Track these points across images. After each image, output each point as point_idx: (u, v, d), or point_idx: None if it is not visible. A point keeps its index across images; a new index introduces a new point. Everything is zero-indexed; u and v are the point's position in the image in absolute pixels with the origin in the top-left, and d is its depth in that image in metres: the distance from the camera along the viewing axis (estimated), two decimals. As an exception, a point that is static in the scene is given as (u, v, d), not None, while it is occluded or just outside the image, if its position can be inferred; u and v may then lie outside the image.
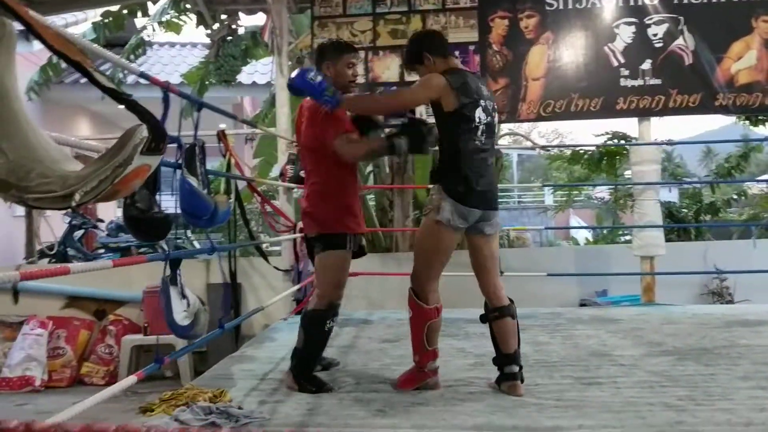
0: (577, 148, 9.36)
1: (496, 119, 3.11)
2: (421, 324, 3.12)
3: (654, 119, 5.65)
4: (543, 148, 13.61)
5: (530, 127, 19.34)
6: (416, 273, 3.13)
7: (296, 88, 3.02)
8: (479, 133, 2.96)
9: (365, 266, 5.17)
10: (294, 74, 3.03)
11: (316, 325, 3.16)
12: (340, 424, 2.61)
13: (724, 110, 5.47)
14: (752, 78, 5.41)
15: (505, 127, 9.40)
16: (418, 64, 3.12)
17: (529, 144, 16.88)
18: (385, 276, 6.27)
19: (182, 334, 2.84)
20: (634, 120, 5.71)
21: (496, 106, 3.11)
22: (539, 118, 5.63)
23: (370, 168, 8.26)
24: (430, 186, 3.11)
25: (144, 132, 1.71)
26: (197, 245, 8.18)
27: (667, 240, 8.59)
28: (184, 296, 2.80)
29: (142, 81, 3.22)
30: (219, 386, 3.09)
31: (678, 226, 8.33)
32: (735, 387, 2.99)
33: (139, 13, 7.86)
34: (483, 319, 3.23)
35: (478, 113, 2.96)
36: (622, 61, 5.53)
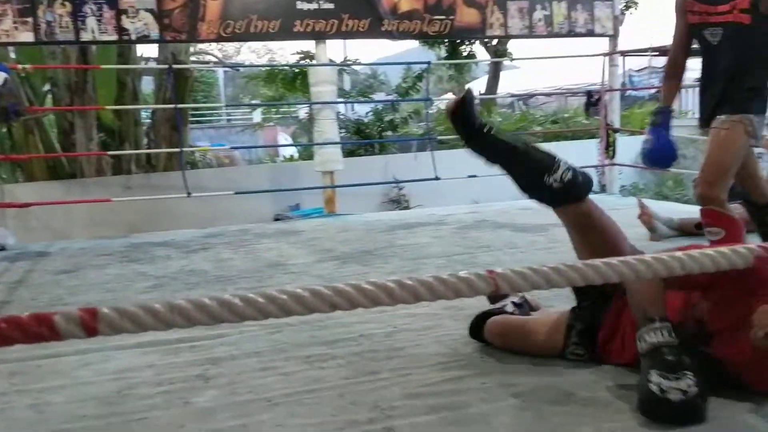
0: (272, 68, 9.52)
1: None
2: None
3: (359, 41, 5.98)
4: (224, 66, 13.57)
5: (240, 44, 19.08)
6: None
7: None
8: None
9: (47, 195, 4.86)
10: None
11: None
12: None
13: (390, 35, 6.00)
14: (411, 6, 5.98)
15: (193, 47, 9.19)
16: None
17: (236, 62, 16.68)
18: (70, 204, 5.94)
19: None
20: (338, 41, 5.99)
21: None
22: (220, 39, 5.65)
23: (47, 87, 7.57)
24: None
25: None
26: None
27: (355, 155, 9.35)
28: None
29: None
30: None
31: (353, 143, 9.05)
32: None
33: None
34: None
35: None
36: (299, -16, 5.73)
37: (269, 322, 2.86)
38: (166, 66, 7.19)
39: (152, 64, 9.82)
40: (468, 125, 2.03)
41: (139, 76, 9.17)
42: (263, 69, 11.60)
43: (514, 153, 2.03)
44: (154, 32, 5.34)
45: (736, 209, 4.50)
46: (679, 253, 0.67)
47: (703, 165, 2.84)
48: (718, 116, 2.83)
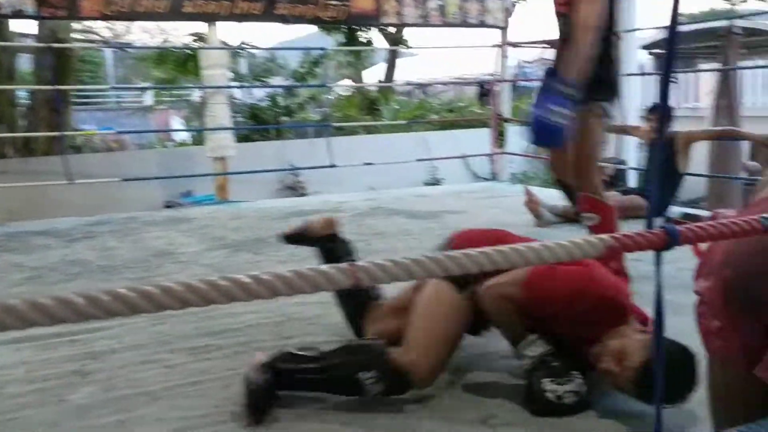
0: (162, 49, 9.18)
1: None
2: None
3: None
4: (109, 45, 12.99)
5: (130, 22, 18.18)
6: None
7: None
8: None
9: None
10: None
11: None
12: None
13: (284, 19, 5.90)
14: (304, -10, 5.92)
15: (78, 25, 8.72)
16: None
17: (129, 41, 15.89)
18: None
19: None
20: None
21: None
22: (105, 17, 5.37)
23: None
24: None
25: None
26: None
27: (250, 140, 9.18)
28: None
29: None
30: None
31: (247, 128, 8.90)
32: (274, 269, 3.45)
33: None
34: None
35: None
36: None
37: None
38: (45, 44, 6.77)
39: (30, 42, 9.22)
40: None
41: (15, 54, 8.59)
42: (154, 50, 11.15)
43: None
44: (30, 7, 5.00)
45: (613, 196, 4.77)
46: (536, 244, 0.69)
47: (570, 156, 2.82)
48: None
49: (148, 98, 17.88)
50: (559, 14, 2.77)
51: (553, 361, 1.81)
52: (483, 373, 2.05)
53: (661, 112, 3.39)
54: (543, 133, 2.47)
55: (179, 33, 20.27)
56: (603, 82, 2.65)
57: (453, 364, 1.99)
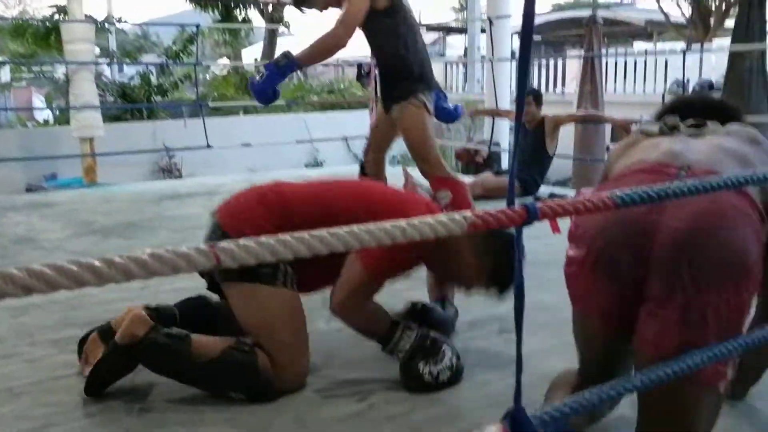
0: (18, 21, 8.52)
1: None
2: None
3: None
4: None
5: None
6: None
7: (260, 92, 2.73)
8: None
9: None
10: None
11: None
12: None
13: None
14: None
15: None
16: None
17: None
18: None
19: None
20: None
21: None
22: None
23: None
24: None
25: None
26: None
27: (121, 119, 8.74)
28: None
29: None
30: None
31: (117, 107, 8.48)
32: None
33: None
34: None
35: None
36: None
37: (13, 303, 2.59)
38: None
39: None
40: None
41: None
42: (8, 21, 10.30)
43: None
44: None
45: (487, 177, 4.95)
46: (402, 222, 0.70)
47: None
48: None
49: (5, 74, 16.57)
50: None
51: (424, 341, 1.85)
52: (356, 355, 2.07)
53: (519, 98, 3.67)
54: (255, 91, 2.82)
55: (39, 4, 18.94)
56: (419, 76, 2.87)
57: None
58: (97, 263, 0.54)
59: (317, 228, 0.65)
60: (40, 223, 4.09)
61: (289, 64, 2.72)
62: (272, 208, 1.85)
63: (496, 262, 1.81)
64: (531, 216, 0.79)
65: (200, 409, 1.75)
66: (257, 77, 2.78)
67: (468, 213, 0.74)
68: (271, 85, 2.71)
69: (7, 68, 16.09)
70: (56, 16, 9.36)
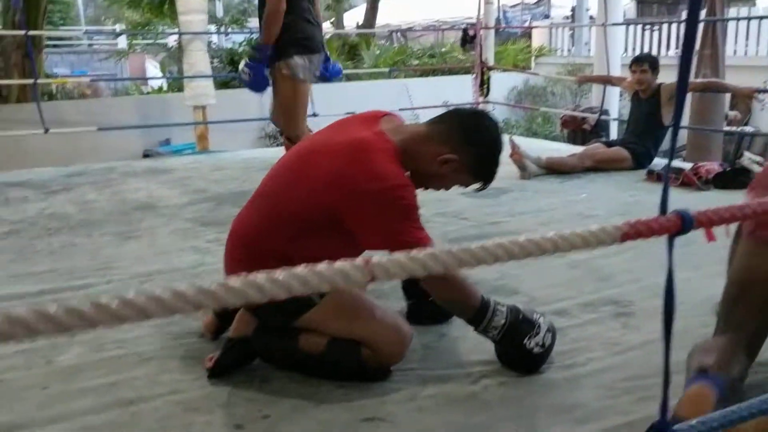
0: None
1: None
2: None
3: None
4: None
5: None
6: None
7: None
8: None
9: None
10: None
11: None
12: None
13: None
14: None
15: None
16: None
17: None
18: None
19: None
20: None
21: None
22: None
23: None
24: None
25: None
26: None
27: (229, 87, 8.98)
28: None
29: None
30: None
31: (225, 75, 8.69)
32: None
33: None
34: None
35: None
36: None
37: (140, 269, 2.74)
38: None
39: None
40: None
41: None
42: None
43: None
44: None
45: (597, 147, 4.75)
46: (551, 234, 0.68)
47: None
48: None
49: (122, 41, 17.36)
50: None
51: (518, 314, 1.80)
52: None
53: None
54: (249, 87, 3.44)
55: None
56: (289, 42, 3.28)
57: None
58: (239, 283, 0.55)
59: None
60: (158, 190, 4.28)
61: (259, 50, 3.30)
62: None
63: (478, 154, 1.79)
64: (686, 225, 0.75)
65: (316, 383, 1.80)
66: (245, 77, 3.34)
67: (620, 224, 0.71)
68: (261, 76, 3.31)
69: (123, 36, 16.88)
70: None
